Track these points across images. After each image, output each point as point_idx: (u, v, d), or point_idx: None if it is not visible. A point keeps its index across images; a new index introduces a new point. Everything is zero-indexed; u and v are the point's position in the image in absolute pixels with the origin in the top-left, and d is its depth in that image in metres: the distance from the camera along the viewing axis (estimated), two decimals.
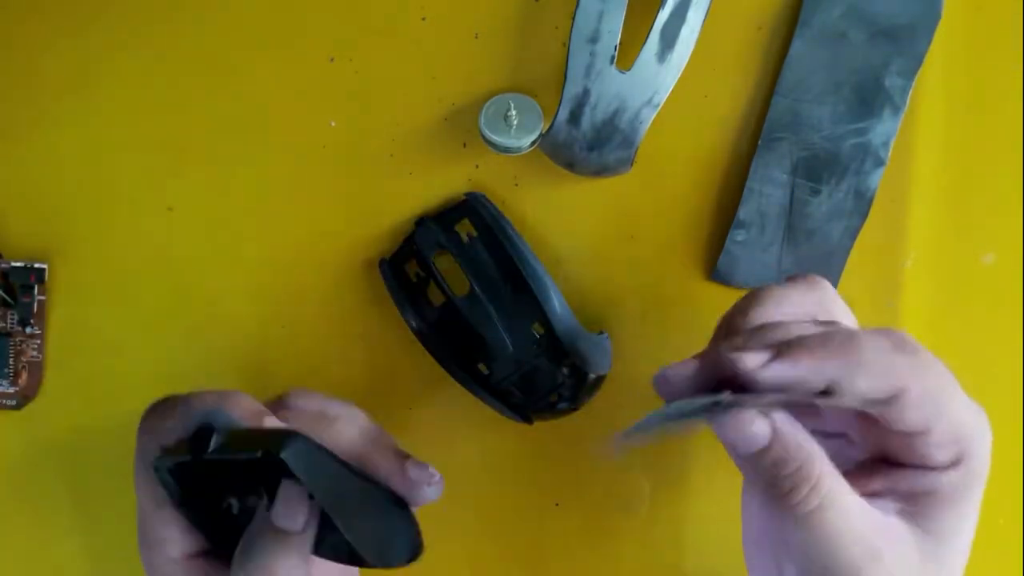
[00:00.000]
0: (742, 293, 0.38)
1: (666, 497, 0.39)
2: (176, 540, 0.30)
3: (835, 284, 0.38)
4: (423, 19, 0.37)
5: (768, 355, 0.28)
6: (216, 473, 0.29)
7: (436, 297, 0.37)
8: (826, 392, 0.28)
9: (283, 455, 0.26)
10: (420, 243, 0.37)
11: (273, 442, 0.26)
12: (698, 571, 0.40)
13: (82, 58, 0.37)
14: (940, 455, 0.29)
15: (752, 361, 0.28)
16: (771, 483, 0.28)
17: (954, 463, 0.29)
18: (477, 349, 0.36)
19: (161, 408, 0.30)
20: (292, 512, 0.28)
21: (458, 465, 0.38)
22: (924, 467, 0.30)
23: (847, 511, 0.28)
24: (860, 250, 0.38)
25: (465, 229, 0.37)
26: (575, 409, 0.37)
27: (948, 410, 0.28)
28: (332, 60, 0.37)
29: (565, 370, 0.36)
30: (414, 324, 0.37)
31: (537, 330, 0.36)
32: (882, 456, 0.31)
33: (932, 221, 0.38)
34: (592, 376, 0.36)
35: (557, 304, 0.36)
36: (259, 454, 0.26)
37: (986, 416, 0.30)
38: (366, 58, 0.37)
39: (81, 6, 0.37)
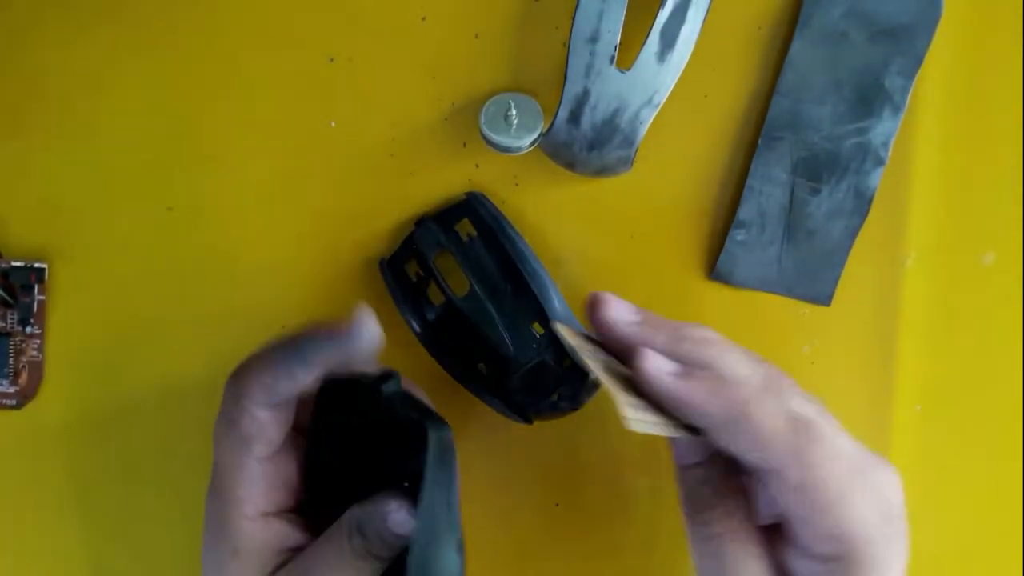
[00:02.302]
0: (742, 293, 0.39)
1: (666, 497, 0.39)
2: (254, 499, 0.30)
3: (835, 284, 0.38)
4: (423, 19, 0.37)
5: (672, 369, 0.29)
6: (357, 415, 0.29)
7: (436, 297, 0.37)
8: (696, 429, 0.29)
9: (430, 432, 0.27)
10: (420, 243, 0.37)
11: (431, 420, 0.27)
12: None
13: (82, 59, 0.37)
14: (816, 546, 0.28)
15: (652, 366, 0.29)
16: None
17: (832, 558, 0.28)
18: (477, 349, 0.36)
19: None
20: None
21: (458, 465, 0.37)
22: (801, 549, 0.29)
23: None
24: (860, 250, 0.38)
25: (465, 229, 0.37)
26: (575, 409, 0.37)
27: (834, 507, 0.27)
28: (332, 60, 0.37)
29: (565, 370, 0.36)
30: (414, 324, 0.37)
31: (537, 330, 0.36)
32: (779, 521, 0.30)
33: (932, 221, 0.38)
34: (592, 376, 0.36)
35: (557, 304, 0.36)
36: (417, 418, 0.27)
37: (904, 529, 0.29)
38: (366, 58, 0.37)
39: (81, 8, 0.37)
